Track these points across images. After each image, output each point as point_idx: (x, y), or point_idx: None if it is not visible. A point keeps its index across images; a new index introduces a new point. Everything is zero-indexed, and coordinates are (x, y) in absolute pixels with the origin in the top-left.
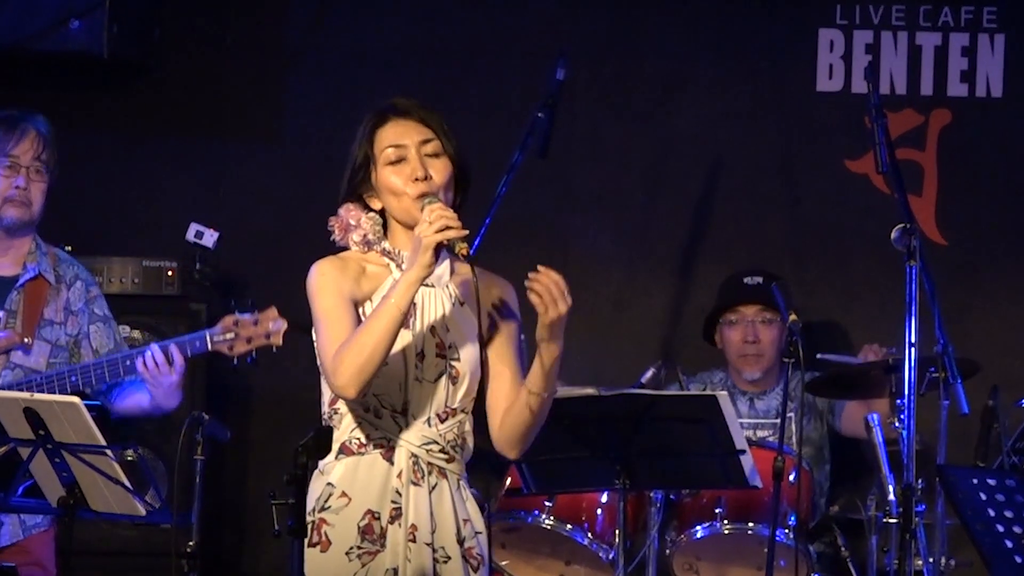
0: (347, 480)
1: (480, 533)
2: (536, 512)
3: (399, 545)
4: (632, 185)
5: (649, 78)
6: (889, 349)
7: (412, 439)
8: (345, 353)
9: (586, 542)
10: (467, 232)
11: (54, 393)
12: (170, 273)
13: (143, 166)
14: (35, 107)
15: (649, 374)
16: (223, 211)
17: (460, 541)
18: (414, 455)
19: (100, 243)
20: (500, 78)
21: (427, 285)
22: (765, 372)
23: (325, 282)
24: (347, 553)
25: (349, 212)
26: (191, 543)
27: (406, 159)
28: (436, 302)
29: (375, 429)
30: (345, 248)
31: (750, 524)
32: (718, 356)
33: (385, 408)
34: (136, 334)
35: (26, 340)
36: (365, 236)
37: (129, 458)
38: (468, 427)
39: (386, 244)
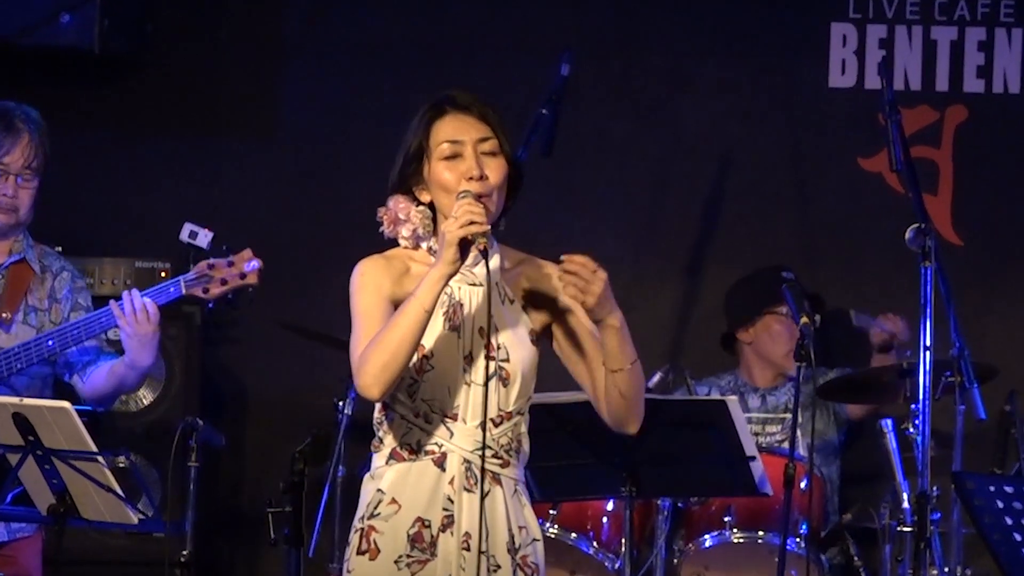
0: (397, 487)
1: (537, 540)
2: (540, 520)
3: (452, 554)
4: (638, 184)
5: (656, 74)
6: (904, 352)
7: (464, 444)
8: (369, 352)
9: (591, 551)
10: (488, 228)
11: (31, 360)
12: (163, 274)
13: (136, 164)
14: (24, 104)
15: (656, 378)
16: (218, 210)
17: (514, 549)
18: (466, 461)
19: (91, 243)
20: (503, 73)
21: (473, 284)
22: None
23: (365, 281)
24: (396, 561)
25: (398, 205)
26: (185, 552)
27: (462, 156)
28: (484, 301)
29: (426, 435)
30: (393, 242)
31: (760, 533)
32: (728, 359)
33: (435, 413)
34: None
35: (4, 315)
36: (415, 231)
37: (121, 465)
38: (523, 429)
39: (434, 241)
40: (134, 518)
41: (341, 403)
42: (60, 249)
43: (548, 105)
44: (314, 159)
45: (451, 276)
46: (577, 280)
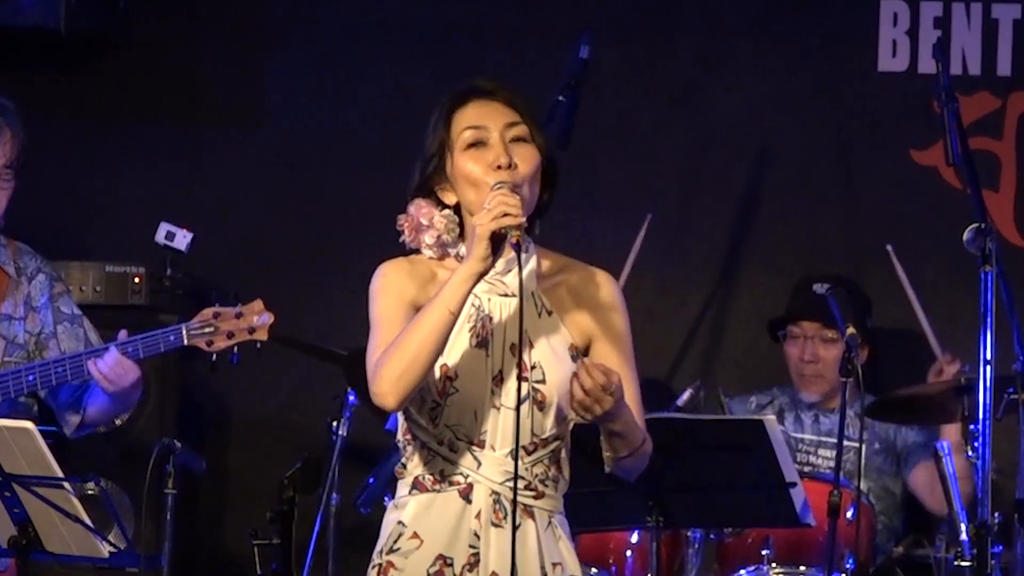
0: (419, 520)
1: None
2: None
3: None
4: (665, 179)
5: (685, 56)
6: (962, 367)
7: (492, 475)
8: (387, 357)
9: None
10: (523, 220)
11: (7, 393)
12: (137, 280)
13: (106, 157)
14: None
15: (686, 396)
16: (197, 209)
17: None
18: (495, 493)
19: (57, 245)
20: (515, 56)
21: (504, 295)
22: (825, 395)
23: (387, 284)
24: None
25: (420, 210)
26: None
27: (487, 144)
28: (517, 314)
29: (450, 464)
30: (416, 251)
31: (802, 567)
32: (763, 374)
33: (461, 440)
34: None
35: None
36: (439, 237)
37: (90, 492)
38: (564, 455)
39: (462, 248)
40: (105, 551)
41: (335, 423)
42: None
43: (566, 91)
44: (305, 151)
45: (482, 275)
46: (583, 397)
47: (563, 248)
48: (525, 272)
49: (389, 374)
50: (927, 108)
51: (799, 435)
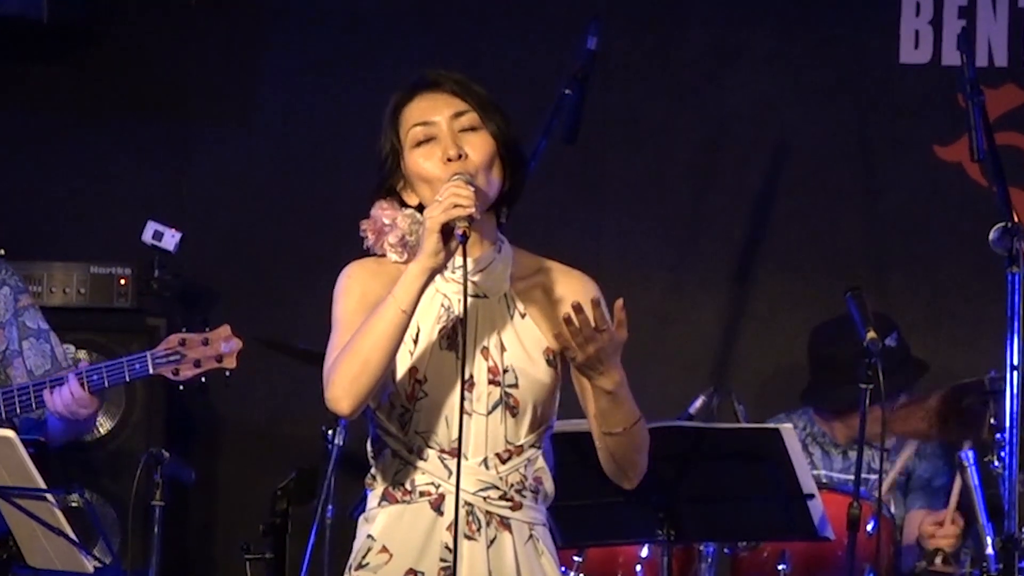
0: (389, 533)
1: None
2: (563, 569)
3: None
4: (678, 175)
5: (698, 47)
6: (988, 372)
7: (465, 484)
8: (339, 360)
9: None
10: (472, 211)
11: None
12: (123, 281)
13: (91, 152)
14: None
15: (698, 403)
16: (186, 208)
17: None
18: (468, 503)
19: (39, 245)
20: (520, 47)
21: (478, 296)
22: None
23: (351, 285)
24: None
25: (383, 211)
26: None
27: (436, 138)
28: (489, 316)
29: (421, 473)
30: (381, 255)
31: None
32: (778, 380)
33: (431, 448)
34: (82, 354)
35: None
36: (403, 238)
37: (74, 504)
38: (541, 464)
39: None
40: (89, 566)
41: (331, 432)
42: (2, 252)
43: (573, 84)
44: (297, 148)
45: (434, 271)
46: (574, 333)
47: (570, 247)
48: (496, 272)
49: (342, 378)
50: (951, 102)
51: (829, 472)
